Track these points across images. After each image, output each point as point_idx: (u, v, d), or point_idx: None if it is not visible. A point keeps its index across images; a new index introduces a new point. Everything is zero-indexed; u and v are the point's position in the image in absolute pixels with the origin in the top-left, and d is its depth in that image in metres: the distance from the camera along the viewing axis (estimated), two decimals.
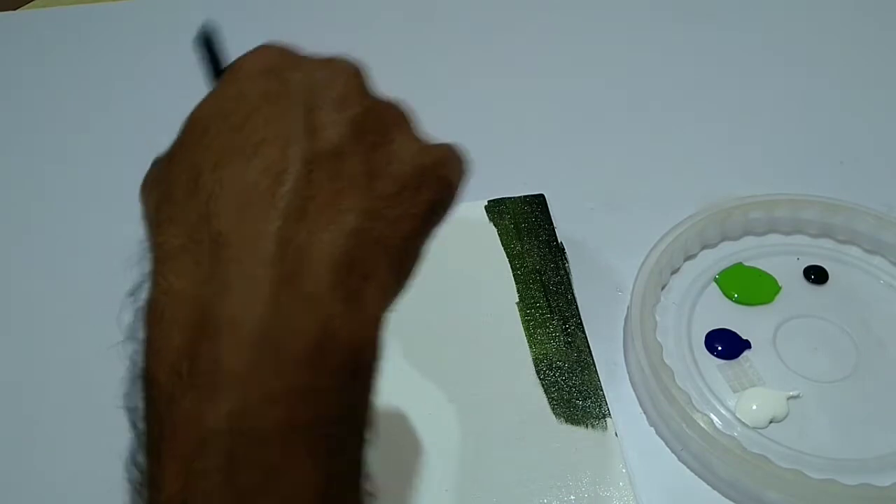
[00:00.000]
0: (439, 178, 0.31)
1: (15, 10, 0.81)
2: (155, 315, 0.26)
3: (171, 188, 0.28)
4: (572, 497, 0.44)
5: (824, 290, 0.53)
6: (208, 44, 0.33)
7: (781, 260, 0.54)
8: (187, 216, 0.26)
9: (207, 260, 0.25)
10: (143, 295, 0.27)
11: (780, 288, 0.52)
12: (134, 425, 0.26)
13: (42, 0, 0.83)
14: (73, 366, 0.51)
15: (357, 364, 0.26)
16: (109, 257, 0.56)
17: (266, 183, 0.26)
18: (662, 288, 0.53)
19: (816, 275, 0.53)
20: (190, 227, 0.26)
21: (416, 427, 0.46)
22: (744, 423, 0.46)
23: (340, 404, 0.26)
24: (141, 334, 0.26)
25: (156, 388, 0.25)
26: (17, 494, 0.46)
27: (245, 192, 0.26)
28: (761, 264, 0.54)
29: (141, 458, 0.25)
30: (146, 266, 0.27)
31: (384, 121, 0.30)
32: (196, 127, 0.29)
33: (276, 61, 0.30)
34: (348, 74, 0.30)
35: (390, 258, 0.28)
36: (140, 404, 0.26)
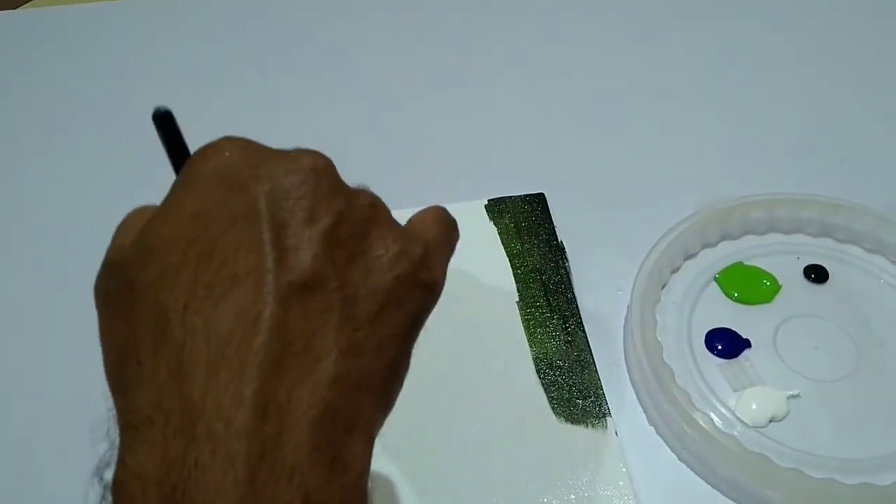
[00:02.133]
0: (422, 283, 0.29)
1: (14, 9, 0.81)
2: (122, 501, 0.24)
3: (136, 337, 0.25)
4: (572, 496, 0.44)
5: (824, 289, 0.53)
6: (164, 126, 0.31)
7: (781, 259, 0.54)
8: (155, 374, 0.24)
9: (178, 435, 0.23)
10: (109, 473, 0.25)
11: (780, 287, 0.52)
12: None
13: None
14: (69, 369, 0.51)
15: None
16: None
17: (240, 333, 0.24)
18: (662, 287, 0.53)
19: (816, 274, 0.53)
20: (158, 390, 0.24)
21: (416, 426, 0.46)
22: (744, 423, 0.46)
23: None
24: None
25: None
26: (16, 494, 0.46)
27: (218, 345, 0.24)
28: (761, 263, 0.54)
29: None
30: (111, 435, 0.25)
31: (358, 223, 0.28)
32: (156, 253, 0.26)
33: (237, 166, 0.28)
34: (316, 175, 0.28)
35: (375, 393, 0.27)
36: None
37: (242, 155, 0.28)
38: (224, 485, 0.22)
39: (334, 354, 0.25)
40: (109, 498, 0.24)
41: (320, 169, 0.28)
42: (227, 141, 0.29)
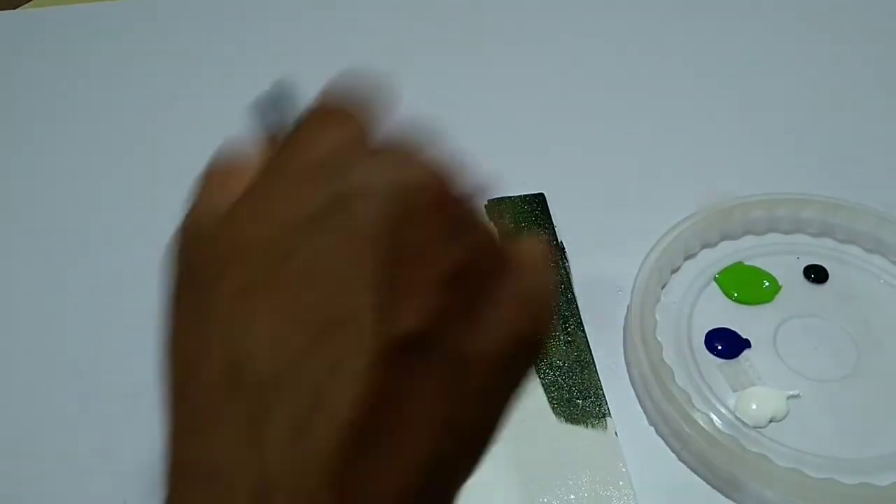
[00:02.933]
0: (535, 346, 0.24)
1: (14, 9, 0.81)
2: None
3: (207, 366, 0.21)
4: (572, 496, 0.44)
5: (824, 289, 0.53)
6: (273, 106, 0.26)
7: (781, 259, 0.54)
8: (226, 424, 0.20)
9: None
10: None
11: (780, 287, 0.52)
12: None
13: None
14: (82, 363, 0.51)
15: None
16: (110, 255, 0.57)
17: (331, 392, 0.20)
18: (662, 287, 0.52)
19: (816, 274, 0.53)
20: (229, 443, 0.20)
21: None
22: (744, 423, 0.46)
23: None
24: None
25: None
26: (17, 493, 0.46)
27: (305, 402, 0.20)
28: (761, 263, 0.54)
29: None
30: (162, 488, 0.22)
31: (482, 265, 0.23)
32: (241, 257, 0.22)
33: (346, 160, 0.23)
34: (444, 195, 0.23)
35: (468, 468, 0.23)
36: None
37: (353, 146, 0.23)
38: None
39: (432, 433, 0.21)
40: None
41: (445, 190, 0.23)
42: (334, 116, 0.24)
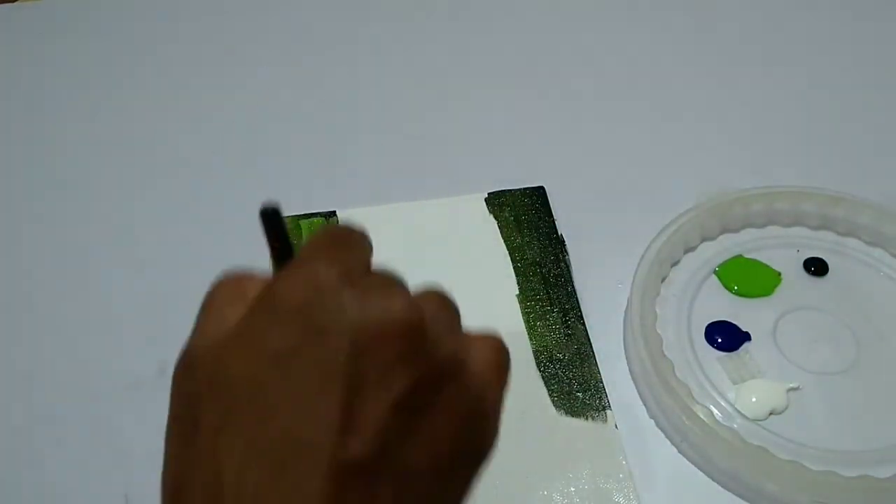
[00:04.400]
0: (484, 453, 0.28)
1: (13, 2, 0.80)
2: None
3: (190, 477, 0.25)
4: (572, 489, 0.44)
5: (824, 282, 0.53)
6: (272, 223, 0.29)
7: (781, 252, 0.54)
8: None
9: None
10: None
11: (780, 280, 0.52)
12: None
13: None
14: (78, 364, 0.51)
15: None
16: (111, 252, 0.57)
17: None
18: (662, 280, 0.53)
19: (816, 267, 0.53)
20: None
21: None
22: (743, 415, 0.46)
23: None
24: None
25: None
26: (17, 492, 0.46)
27: None
28: (761, 256, 0.54)
29: None
30: None
31: (434, 385, 0.26)
32: (226, 388, 0.25)
33: (325, 300, 0.26)
34: (406, 328, 0.26)
35: None
36: None
37: (334, 286, 0.26)
38: None
39: None
40: None
41: (413, 324, 0.26)
42: (323, 264, 0.26)
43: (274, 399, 0.25)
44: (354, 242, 0.28)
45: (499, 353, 0.29)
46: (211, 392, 0.25)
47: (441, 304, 0.28)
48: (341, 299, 0.26)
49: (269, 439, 0.24)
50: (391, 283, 0.27)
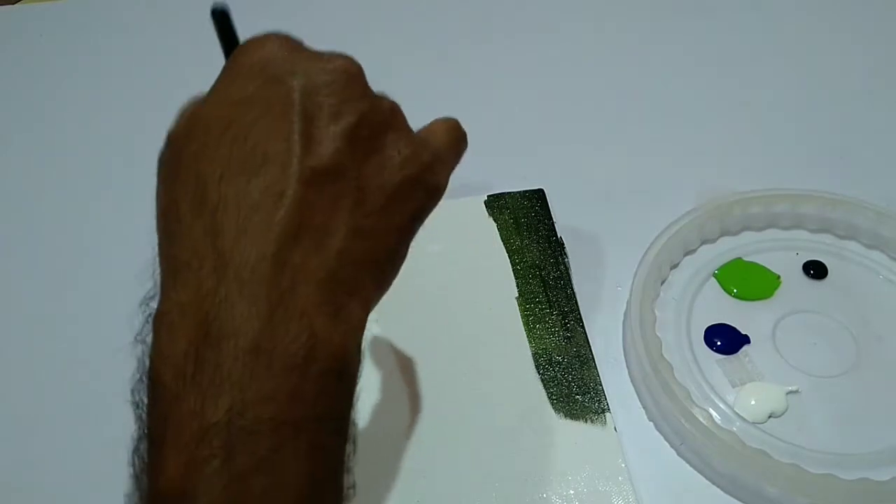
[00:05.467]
0: (426, 186, 0.33)
1: (13, 4, 0.80)
2: (164, 324, 0.28)
3: (177, 198, 0.30)
4: (571, 492, 0.44)
5: (823, 285, 0.53)
6: (221, 21, 0.34)
7: (781, 255, 0.54)
8: (193, 231, 0.29)
9: (211, 276, 0.28)
10: (153, 304, 0.29)
11: (779, 283, 0.52)
12: (139, 418, 0.29)
13: None
14: (78, 363, 0.51)
15: (339, 370, 0.29)
16: (111, 253, 0.56)
17: (266, 204, 0.29)
18: (662, 283, 0.53)
19: (816, 270, 0.53)
20: (195, 242, 0.29)
21: (416, 422, 0.46)
22: (743, 418, 0.46)
23: (325, 405, 0.29)
24: (149, 339, 0.29)
25: (161, 386, 0.28)
26: (18, 492, 0.46)
27: (247, 212, 0.28)
28: (761, 259, 0.54)
29: (143, 448, 0.28)
30: (155, 276, 0.30)
31: (377, 125, 0.32)
32: (200, 129, 0.31)
33: (276, 59, 0.31)
34: (347, 76, 0.32)
35: (374, 272, 0.31)
36: (145, 400, 0.29)
37: (284, 50, 0.32)
38: (248, 315, 0.27)
39: (343, 232, 0.30)
40: (148, 330, 0.29)
41: (351, 72, 0.32)
42: (272, 36, 0.32)
43: (241, 129, 0.30)
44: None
45: (453, 133, 0.36)
46: (188, 134, 0.31)
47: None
48: (291, 56, 0.32)
49: (242, 156, 0.29)
50: (329, 53, 0.32)
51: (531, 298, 0.52)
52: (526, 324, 0.51)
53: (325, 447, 0.29)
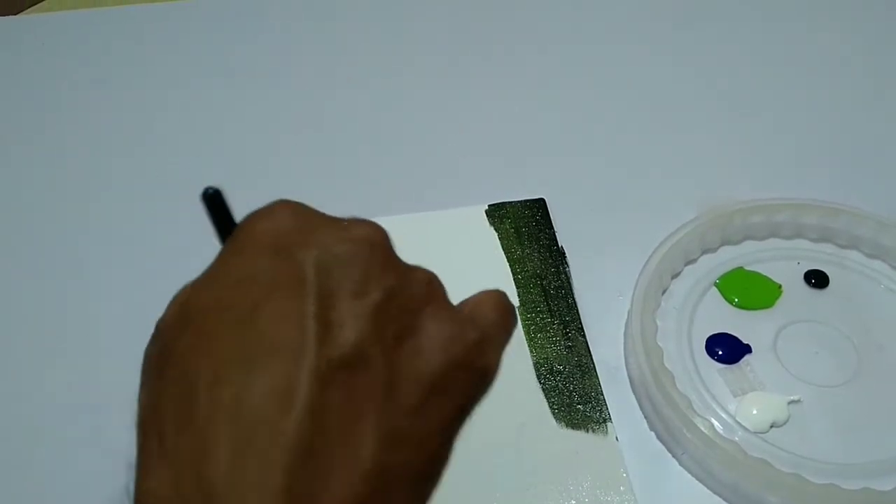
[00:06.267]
0: (473, 370, 0.27)
1: (16, 14, 0.81)
2: None
3: (160, 411, 0.24)
4: (573, 501, 0.44)
5: (825, 294, 0.53)
6: (214, 204, 0.29)
7: (782, 264, 0.54)
8: (176, 453, 0.23)
9: None
10: None
11: (780, 292, 0.52)
12: None
13: (44, 4, 0.83)
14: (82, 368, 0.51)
15: None
16: (117, 265, 0.57)
17: (271, 412, 0.22)
18: (663, 292, 0.52)
19: (817, 279, 0.53)
20: (178, 471, 0.23)
21: None
22: (744, 428, 0.46)
23: None
24: None
25: None
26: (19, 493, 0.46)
27: (246, 425, 0.22)
28: (762, 269, 0.54)
29: None
30: None
31: (410, 301, 0.26)
32: (194, 318, 0.25)
33: (287, 231, 0.27)
34: (369, 247, 0.26)
35: (413, 488, 0.25)
36: None
37: (294, 221, 0.27)
38: None
39: (373, 445, 0.23)
40: None
41: (374, 241, 0.27)
42: (280, 205, 0.28)
43: (242, 315, 0.24)
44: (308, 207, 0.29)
45: (502, 309, 0.30)
46: (178, 324, 0.25)
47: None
48: (304, 226, 0.27)
49: (242, 349, 0.24)
50: (349, 220, 0.28)
51: (532, 308, 0.52)
52: (527, 333, 0.51)
53: None
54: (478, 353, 0.27)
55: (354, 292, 0.25)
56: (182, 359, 0.24)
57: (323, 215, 0.28)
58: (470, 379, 0.27)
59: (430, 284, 0.28)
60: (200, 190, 0.27)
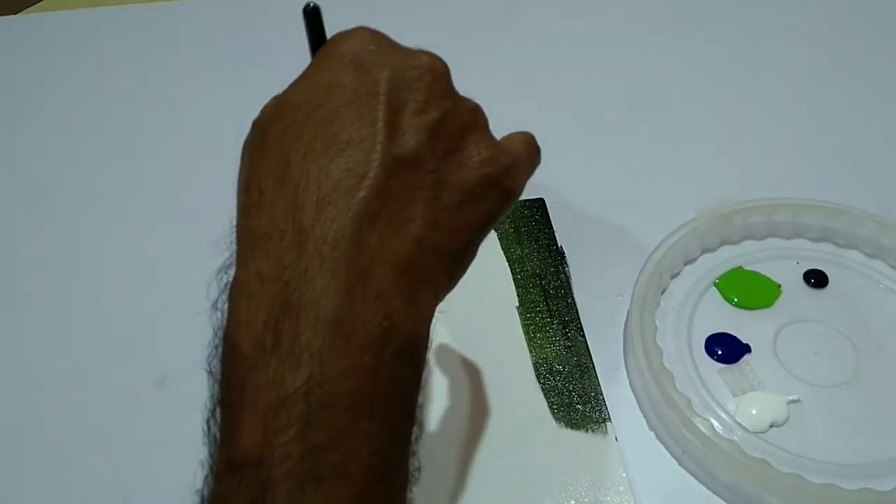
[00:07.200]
0: (502, 188, 0.33)
1: (16, 13, 0.81)
2: (243, 293, 0.29)
3: (260, 173, 0.30)
4: (572, 501, 0.44)
5: (824, 294, 0.53)
6: (312, 19, 0.35)
7: (781, 264, 0.54)
8: (275, 204, 0.29)
9: (292, 248, 0.28)
10: (230, 273, 0.30)
11: (780, 292, 0.52)
12: (214, 385, 0.29)
13: (43, 4, 0.83)
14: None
15: (411, 353, 0.29)
16: (115, 263, 0.57)
17: (348, 184, 0.29)
18: (662, 292, 0.52)
19: (816, 279, 0.53)
20: (277, 215, 0.29)
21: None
22: (744, 428, 0.46)
23: (397, 385, 0.29)
24: (226, 307, 0.29)
25: (240, 354, 0.28)
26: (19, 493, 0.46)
27: (328, 189, 0.29)
28: (761, 268, 0.54)
29: (219, 414, 0.29)
30: (232, 247, 0.30)
31: (459, 125, 0.33)
32: (288, 111, 0.31)
33: (366, 51, 0.32)
34: (433, 74, 0.32)
35: (446, 264, 0.31)
36: (221, 368, 0.29)
37: (375, 44, 0.33)
38: (328, 290, 0.28)
39: (420, 221, 0.30)
40: (225, 298, 0.29)
41: (438, 70, 0.33)
42: (364, 30, 0.33)
43: (327, 113, 0.30)
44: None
45: (530, 144, 0.37)
46: (274, 115, 0.31)
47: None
48: (381, 50, 0.32)
49: (327, 137, 0.30)
50: (421, 50, 0.34)
51: (532, 308, 0.52)
52: (526, 333, 0.51)
53: (396, 428, 0.29)
54: (506, 174, 0.34)
55: (417, 109, 0.31)
56: (278, 138, 0.31)
57: (398, 44, 0.34)
58: (498, 194, 0.33)
59: (476, 113, 0.34)
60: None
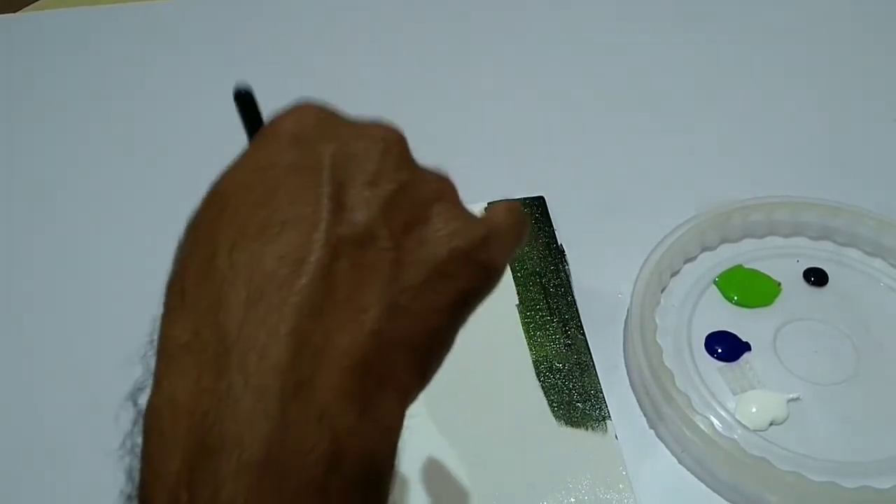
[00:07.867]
0: (476, 263, 0.29)
1: (15, 12, 0.81)
2: (155, 428, 0.24)
3: (184, 267, 0.26)
4: (572, 499, 0.44)
5: (824, 292, 0.53)
6: (244, 103, 0.32)
7: (781, 262, 0.54)
8: (196, 305, 0.25)
9: (212, 364, 0.23)
10: (145, 397, 0.25)
11: (780, 290, 0.52)
12: None
13: (43, 2, 0.83)
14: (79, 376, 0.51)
15: (368, 479, 0.24)
16: (115, 263, 0.57)
17: (284, 273, 0.24)
18: (662, 290, 0.53)
19: (816, 277, 0.53)
20: (197, 319, 0.24)
21: (415, 430, 0.46)
22: (744, 426, 0.46)
23: None
24: (140, 444, 0.24)
25: None
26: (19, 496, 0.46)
27: (260, 282, 0.24)
28: (761, 267, 0.54)
29: None
30: (150, 362, 0.26)
31: (421, 197, 0.28)
32: (219, 198, 0.27)
33: (309, 127, 0.28)
34: (385, 144, 0.28)
35: (412, 358, 0.26)
36: None
37: (318, 119, 0.29)
38: (254, 416, 0.22)
39: (376, 310, 0.25)
40: (141, 422, 0.25)
41: (391, 140, 0.29)
42: (307, 106, 0.30)
43: (263, 195, 0.26)
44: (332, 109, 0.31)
45: (514, 215, 0.32)
46: (207, 203, 0.28)
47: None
48: (325, 124, 0.29)
49: (260, 221, 0.26)
50: (372, 121, 0.30)
51: (532, 306, 0.52)
52: (526, 331, 0.51)
53: None
54: (481, 247, 0.29)
55: (368, 182, 0.27)
56: (206, 229, 0.27)
57: (345, 116, 0.30)
58: (472, 270, 0.29)
59: (441, 183, 0.30)
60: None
